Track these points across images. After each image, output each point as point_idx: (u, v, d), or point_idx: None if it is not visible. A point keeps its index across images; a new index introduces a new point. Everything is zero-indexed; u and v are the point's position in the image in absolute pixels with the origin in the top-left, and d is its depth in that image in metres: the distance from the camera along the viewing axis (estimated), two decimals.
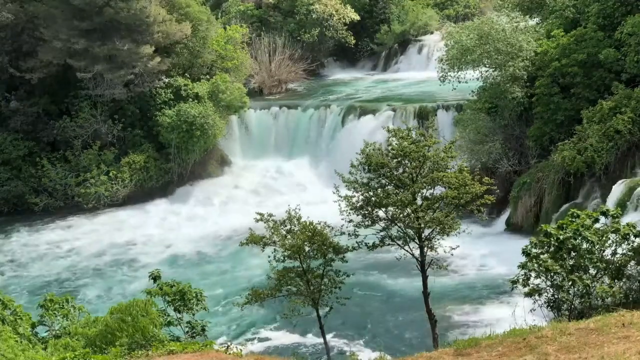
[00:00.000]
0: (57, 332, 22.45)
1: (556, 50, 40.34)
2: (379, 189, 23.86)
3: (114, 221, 47.84)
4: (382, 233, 23.99)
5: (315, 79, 67.58)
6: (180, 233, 45.33)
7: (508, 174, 41.31)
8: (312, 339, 30.02)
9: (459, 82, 43.45)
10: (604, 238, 20.80)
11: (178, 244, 43.58)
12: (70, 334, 21.68)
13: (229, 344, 21.69)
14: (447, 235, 23.73)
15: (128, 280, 38.73)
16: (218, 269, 39.61)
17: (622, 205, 31.39)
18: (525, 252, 21.23)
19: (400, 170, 23.81)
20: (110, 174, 49.29)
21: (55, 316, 22.90)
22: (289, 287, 23.91)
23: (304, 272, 23.69)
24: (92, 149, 49.87)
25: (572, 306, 20.57)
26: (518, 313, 21.21)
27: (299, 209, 24.36)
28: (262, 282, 27.60)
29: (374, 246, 23.96)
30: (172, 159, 51.46)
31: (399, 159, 23.73)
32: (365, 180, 24.01)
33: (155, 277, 22.99)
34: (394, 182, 23.76)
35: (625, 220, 23.22)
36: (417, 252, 23.85)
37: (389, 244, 24.08)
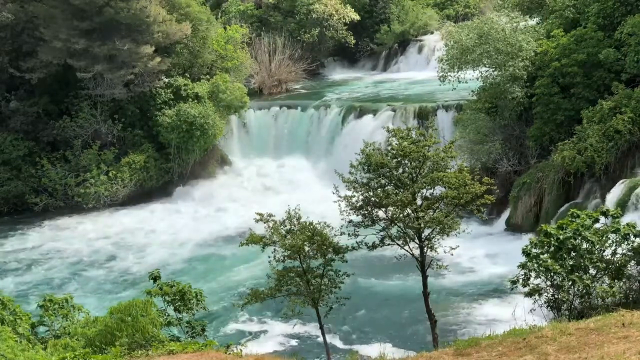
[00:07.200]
0: (57, 332, 22.44)
1: (556, 50, 40.31)
2: (379, 189, 23.86)
3: (114, 221, 47.84)
4: (382, 233, 24.00)
5: (315, 79, 67.55)
6: (180, 233, 45.32)
7: (508, 174, 41.28)
8: (312, 339, 30.03)
9: (459, 82, 43.34)
10: (604, 238, 20.82)
11: (178, 244, 43.57)
12: (70, 334, 21.67)
13: (229, 343, 21.65)
14: (447, 235, 23.74)
15: (127, 280, 38.73)
16: (218, 269, 39.58)
17: (622, 205, 31.37)
18: (525, 252, 21.23)
19: (400, 170, 23.81)
20: (110, 174, 49.26)
21: (55, 316, 22.90)
22: (289, 287, 23.90)
23: (304, 272, 23.67)
24: (92, 149, 49.83)
25: (572, 306, 20.57)
26: (518, 313, 21.21)
27: (299, 209, 24.35)
28: (262, 282, 27.59)
29: (374, 246, 23.97)
30: (172, 159, 51.50)
31: (399, 159, 23.73)
32: (365, 180, 24.00)
33: (154, 277, 23.00)
34: (393, 182, 23.76)
35: (625, 220, 23.19)
36: (417, 252, 23.87)
37: (389, 244, 24.08)
